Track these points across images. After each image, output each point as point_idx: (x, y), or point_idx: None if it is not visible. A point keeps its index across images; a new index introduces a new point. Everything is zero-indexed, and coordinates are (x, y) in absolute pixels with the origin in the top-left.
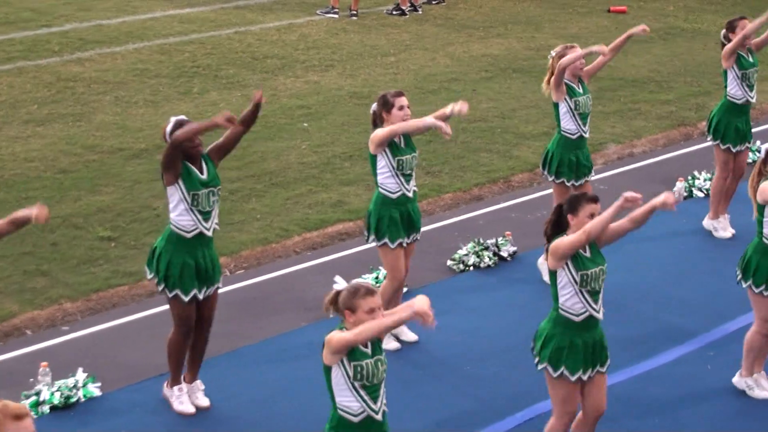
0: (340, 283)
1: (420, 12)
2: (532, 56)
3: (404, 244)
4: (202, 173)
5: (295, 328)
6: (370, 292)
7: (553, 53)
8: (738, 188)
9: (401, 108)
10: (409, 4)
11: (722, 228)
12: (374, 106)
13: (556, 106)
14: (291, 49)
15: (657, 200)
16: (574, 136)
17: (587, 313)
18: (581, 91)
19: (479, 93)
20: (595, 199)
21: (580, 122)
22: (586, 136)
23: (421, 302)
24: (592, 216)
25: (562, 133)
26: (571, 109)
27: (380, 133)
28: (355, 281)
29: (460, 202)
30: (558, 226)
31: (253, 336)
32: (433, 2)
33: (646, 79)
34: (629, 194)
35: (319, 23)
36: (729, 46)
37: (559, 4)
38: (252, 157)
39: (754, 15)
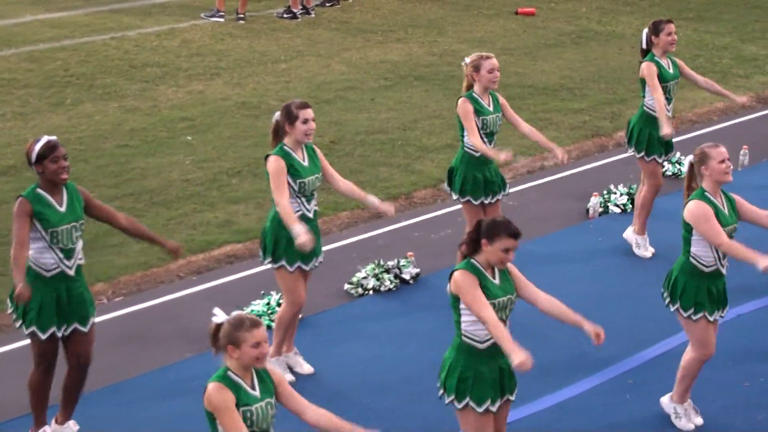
0: (219, 316)
1: (313, 15)
2: (434, 62)
3: (304, 269)
4: (61, 206)
5: (178, 360)
6: (255, 324)
7: (467, 60)
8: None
9: (306, 121)
10: (300, 7)
11: (644, 246)
12: (277, 115)
13: (460, 119)
14: (172, 56)
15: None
16: (478, 153)
17: (492, 340)
18: (491, 109)
19: (378, 102)
20: (515, 236)
21: (486, 141)
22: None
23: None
24: (506, 251)
25: (466, 149)
26: (477, 127)
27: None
28: (236, 313)
29: (358, 220)
30: (476, 245)
31: (133, 369)
32: (327, 4)
33: (558, 86)
34: None
35: (203, 28)
36: (649, 83)
37: (462, 5)
38: (131, 174)
39: (672, 15)
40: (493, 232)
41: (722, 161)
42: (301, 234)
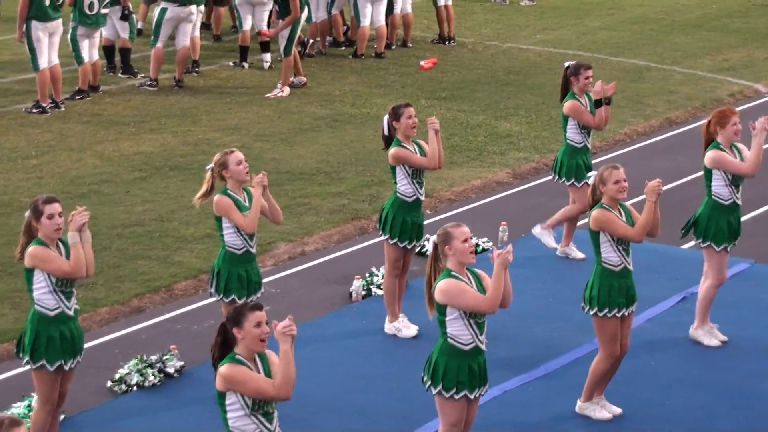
0: None
1: (63, 108)
2: (189, 152)
3: (67, 368)
4: None
5: None
6: (15, 423)
7: (210, 165)
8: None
9: (51, 216)
10: (50, 101)
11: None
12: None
13: (218, 219)
14: None
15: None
16: (240, 251)
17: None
18: (247, 205)
19: (133, 194)
20: (259, 307)
21: (246, 238)
22: (253, 251)
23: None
24: (258, 325)
25: (227, 248)
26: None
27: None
28: None
29: (119, 315)
30: (226, 346)
31: None
32: (77, 97)
33: (315, 170)
34: None
35: None
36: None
37: (215, 93)
38: None
39: (425, 95)
40: (238, 318)
41: (465, 240)
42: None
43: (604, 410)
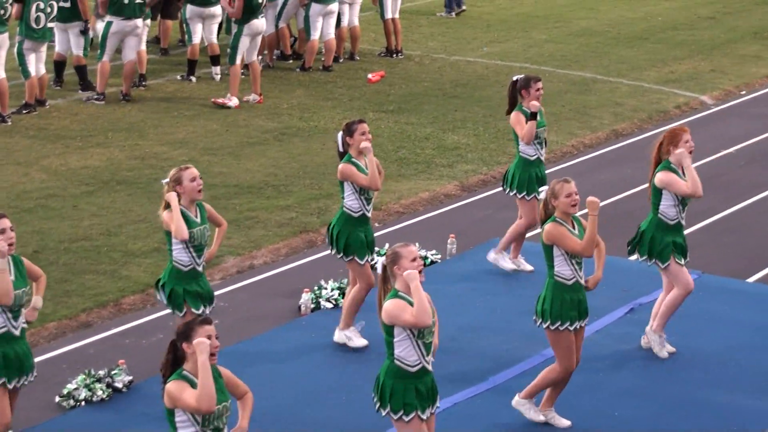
0: None
1: (9, 123)
2: (137, 166)
3: (11, 387)
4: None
5: None
6: None
7: (166, 180)
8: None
9: (3, 231)
10: None
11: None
12: None
13: (168, 233)
14: None
15: None
16: (186, 268)
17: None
18: (198, 221)
19: (81, 209)
20: (208, 321)
21: (194, 254)
22: (200, 269)
23: None
24: (208, 338)
25: (174, 263)
26: (186, 243)
27: None
28: None
29: (67, 330)
30: (176, 363)
31: None
32: (24, 111)
33: (263, 184)
34: None
35: None
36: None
37: (162, 107)
38: None
39: (373, 108)
40: (188, 333)
41: (414, 260)
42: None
43: (539, 414)
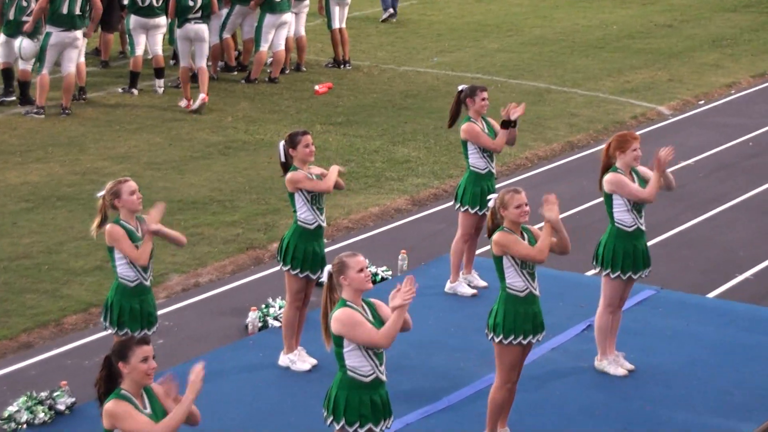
0: None
1: None
2: (78, 182)
3: None
4: None
5: None
6: None
7: (101, 193)
8: None
9: None
10: None
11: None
12: None
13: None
14: None
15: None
16: (133, 283)
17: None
18: (140, 235)
19: (20, 226)
20: (146, 341)
21: (140, 270)
22: (147, 284)
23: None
24: (145, 359)
25: (119, 280)
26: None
27: None
28: None
29: (7, 351)
30: (111, 380)
31: None
32: None
33: (207, 199)
34: None
35: None
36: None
37: (103, 121)
38: None
39: (321, 121)
40: (125, 352)
41: (361, 270)
42: None
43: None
